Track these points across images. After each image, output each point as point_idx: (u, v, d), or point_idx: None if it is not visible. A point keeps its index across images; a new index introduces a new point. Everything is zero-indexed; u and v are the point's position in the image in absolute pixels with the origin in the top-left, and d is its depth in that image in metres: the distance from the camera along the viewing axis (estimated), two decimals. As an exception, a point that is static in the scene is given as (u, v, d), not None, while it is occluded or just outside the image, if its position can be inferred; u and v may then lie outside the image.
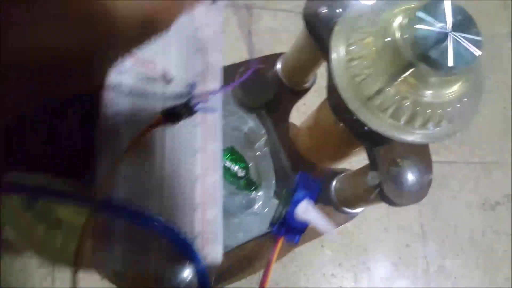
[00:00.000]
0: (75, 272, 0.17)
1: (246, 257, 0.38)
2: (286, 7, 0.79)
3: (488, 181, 0.79)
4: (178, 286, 0.27)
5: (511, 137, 0.83)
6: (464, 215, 0.76)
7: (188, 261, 0.17)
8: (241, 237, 0.38)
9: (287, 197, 0.22)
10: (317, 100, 0.44)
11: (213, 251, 0.18)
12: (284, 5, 0.79)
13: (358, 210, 0.41)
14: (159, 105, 0.19)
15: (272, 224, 0.22)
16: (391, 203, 0.32)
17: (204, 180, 0.19)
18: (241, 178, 0.38)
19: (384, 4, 0.30)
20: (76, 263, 0.17)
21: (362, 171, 0.37)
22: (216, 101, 0.20)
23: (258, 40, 0.74)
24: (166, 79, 0.19)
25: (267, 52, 0.55)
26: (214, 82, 0.20)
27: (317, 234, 0.39)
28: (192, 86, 0.19)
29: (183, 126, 0.19)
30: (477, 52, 0.26)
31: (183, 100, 0.19)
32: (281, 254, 0.40)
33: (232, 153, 0.38)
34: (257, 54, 0.71)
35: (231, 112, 0.40)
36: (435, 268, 0.72)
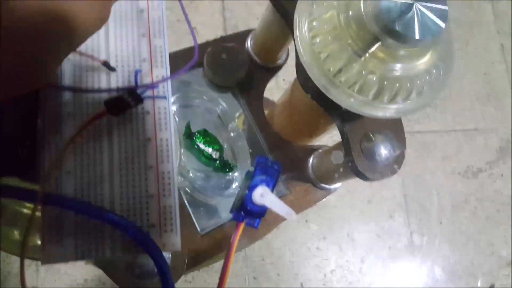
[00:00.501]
0: (22, 265, 0.16)
1: (224, 237, 0.38)
2: (261, -20, 0.77)
3: (470, 148, 0.80)
4: (152, 272, 0.27)
5: (492, 102, 0.83)
6: (447, 183, 0.77)
7: (144, 251, 0.17)
8: (220, 219, 0.38)
9: (245, 183, 0.22)
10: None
11: (171, 240, 0.18)
12: (258, -22, 0.77)
13: (336, 185, 0.42)
14: (104, 96, 0.18)
15: (231, 211, 0.21)
16: (364, 178, 0.32)
17: (157, 169, 0.18)
18: (215, 160, 0.37)
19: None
20: (22, 257, 0.16)
21: (337, 147, 0.37)
22: (166, 87, 0.19)
23: (231, 15, 0.72)
24: (109, 67, 0.18)
25: (241, 27, 0.53)
26: (162, 67, 0.19)
27: (281, 219, 0.40)
28: (137, 73, 0.18)
29: (132, 115, 0.18)
30: (442, 24, 0.25)
31: (127, 89, 0.18)
32: (249, 241, 0.41)
33: (205, 135, 0.38)
34: (231, 30, 0.69)
35: (202, 93, 0.39)
36: (419, 237, 0.73)
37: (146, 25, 0.19)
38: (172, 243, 0.18)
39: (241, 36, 0.42)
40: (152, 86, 0.18)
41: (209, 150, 0.37)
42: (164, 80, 0.18)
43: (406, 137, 0.34)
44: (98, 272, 0.55)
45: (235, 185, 0.39)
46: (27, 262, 0.56)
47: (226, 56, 0.40)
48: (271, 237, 0.64)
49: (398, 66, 0.27)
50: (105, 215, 0.17)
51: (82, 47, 0.18)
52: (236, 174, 0.38)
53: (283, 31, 0.37)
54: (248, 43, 0.42)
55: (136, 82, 0.18)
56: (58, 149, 0.17)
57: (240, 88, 0.42)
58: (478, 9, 0.88)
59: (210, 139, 0.37)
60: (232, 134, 0.39)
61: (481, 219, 0.77)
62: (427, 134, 0.78)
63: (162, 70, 0.19)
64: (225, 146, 0.39)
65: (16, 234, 0.21)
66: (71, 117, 0.18)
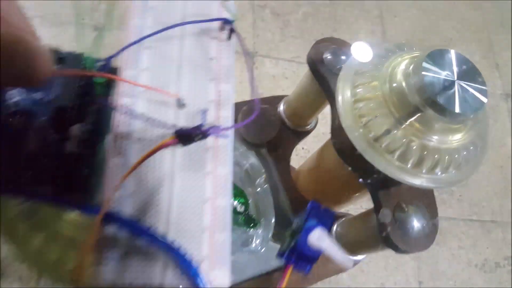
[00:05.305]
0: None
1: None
2: (287, 56, 0.83)
3: (488, 240, 0.77)
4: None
5: (510, 197, 0.83)
6: (464, 274, 0.74)
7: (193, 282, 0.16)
8: (236, 277, 0.37)
9: (298, 226, 0.21)
10: (316, 145, 0.44)
11: (220, 275, 0.17)
12: (285, 54, 0.83)
13: (358, 257, 0.40)
14: (171, 127, 0.19)
15: (280, 253, 0.21)
16: (397, 250, 0.31)
17: (213, 202, 0.18)
18: (240, 213, 0.37)
19: (386, 52, 0.30)
20: (78, 275, 0.15)
21: (366, 215, 0.36)
22: (228, 128, 0.20)
23: (259, 85, 0.76)
24: (180, 104, 0.19)
25: (267, 96, 0.55)
26: (226, 109, 0.20)
27: (330, 272, 0.38)
28: (204, 112, 0.19)
29: (194, 148, 0.19)
30: (484, 99, 0.26)
31: (195, 124, 0.19)
32: None
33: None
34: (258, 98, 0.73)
35: (233, 147, 0.40)
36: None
37: (215, 71, 0.21)
38: (221, 278, 0.17)
39: (275, 100, 0.44)
40: (217, 127, 0.19)
41: (235, 202, 0.37)
42: (228, 127, 0.19)
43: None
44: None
45: (255, 242, 0.38)
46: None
47: (260, 116, 0.41)
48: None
49: (435, 138, 0.28)
50: (163, 242, 0.16)
51: (157, 84, 0.19)
52: (259, 231, 0.37)
53: (318, 99, 0.38)
54: (281, 107, 0.44)
55: (203, 119, 0.19)
56: (122, 171, 0.17)
57: (269, 147, 0.42)
58: (493, 104, 0.91)
59: (236, 191, 0.37)
60: (258, 189, 0.39)
61: (501, 319, 0.72)
62: (443, 220, 0.77)
63: (226, 111, 0.20)
64: (250, 201, 0.38)
65: (55, 253, 0.20)
66: (138, 143, 0.18)
